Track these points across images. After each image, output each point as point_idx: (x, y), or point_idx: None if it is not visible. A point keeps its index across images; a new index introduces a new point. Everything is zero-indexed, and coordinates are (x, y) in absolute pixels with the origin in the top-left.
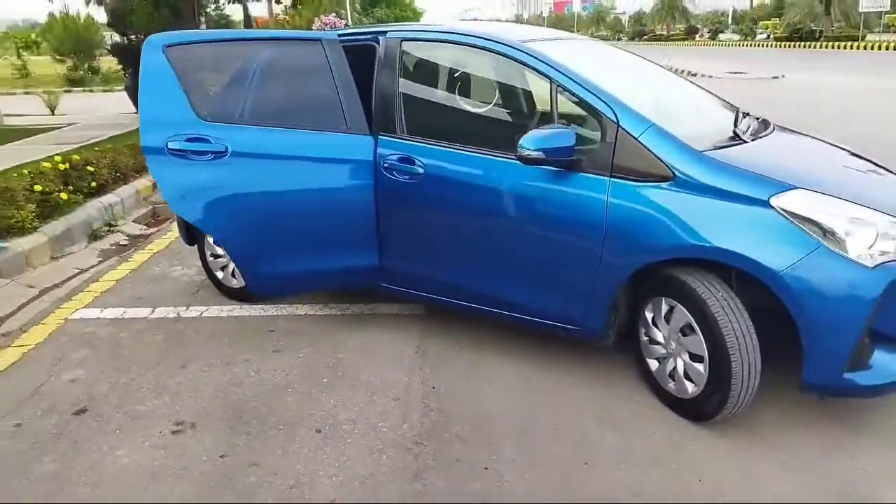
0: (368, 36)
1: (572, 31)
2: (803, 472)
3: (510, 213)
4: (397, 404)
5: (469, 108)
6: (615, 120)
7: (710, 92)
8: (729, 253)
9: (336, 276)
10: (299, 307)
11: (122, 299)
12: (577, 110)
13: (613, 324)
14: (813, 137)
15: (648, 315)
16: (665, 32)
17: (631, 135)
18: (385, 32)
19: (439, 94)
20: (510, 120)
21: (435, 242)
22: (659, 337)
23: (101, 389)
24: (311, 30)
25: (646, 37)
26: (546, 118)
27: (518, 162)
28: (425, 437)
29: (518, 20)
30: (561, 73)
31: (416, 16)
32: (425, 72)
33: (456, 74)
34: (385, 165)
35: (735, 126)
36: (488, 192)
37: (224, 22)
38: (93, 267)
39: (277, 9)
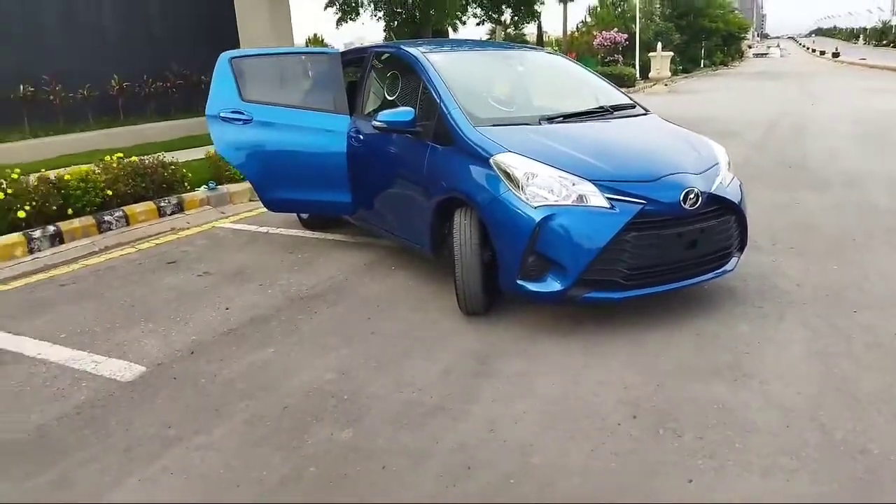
0: (365, 51)
1: None
2: (437, 358)
3: (395, 165)
4: (282, 295)
5: (388, 95)
6: (440, 103)
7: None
8: (466, 193)
9: (322, 206)
10: (335, 235)
11: (254, 221)
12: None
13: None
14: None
15: None
16: None
17: (445, 113)
18: (371, 48)
19: (377, 87)
20: (407, 104)
21: (368, 187)
22: None
23: (191, 256)
24: (593, 45)
25: None
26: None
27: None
28: (272, 311)
29: (885, 26)
30: (426, 73)
31: (728, 25)
32: (379, 73)
33: (388, 74)
34: (350, 133)
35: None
36: (385, 152)
37: (521, 39)
38: None
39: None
